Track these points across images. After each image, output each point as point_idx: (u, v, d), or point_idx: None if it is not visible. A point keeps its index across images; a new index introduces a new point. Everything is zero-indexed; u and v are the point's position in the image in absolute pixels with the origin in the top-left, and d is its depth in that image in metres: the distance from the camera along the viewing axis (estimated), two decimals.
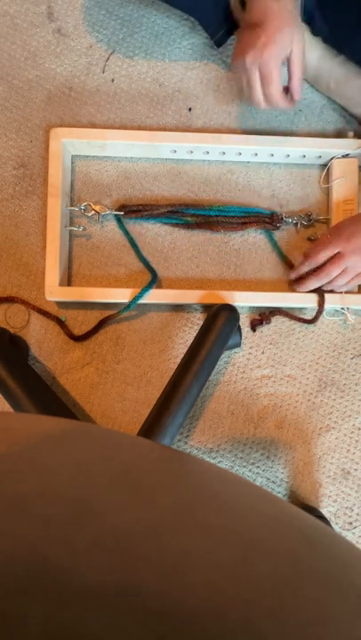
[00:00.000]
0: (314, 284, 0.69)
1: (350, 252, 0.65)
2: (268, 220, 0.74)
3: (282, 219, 0.74)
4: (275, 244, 0.75)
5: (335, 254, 0.66)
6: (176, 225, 0.75)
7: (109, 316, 0.72)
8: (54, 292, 0.70)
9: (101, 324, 0.73)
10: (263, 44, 0.58)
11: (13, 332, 0.73)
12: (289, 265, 0.75)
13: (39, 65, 0.77)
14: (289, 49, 0.60)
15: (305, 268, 0.70)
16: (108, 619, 0.13)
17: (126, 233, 0.74)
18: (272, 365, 0.75)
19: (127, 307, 0.70)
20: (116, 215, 0.74)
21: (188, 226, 0.75)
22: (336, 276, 0.67)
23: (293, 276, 0.72)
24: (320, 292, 0.71)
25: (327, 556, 0.21)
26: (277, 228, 0.75)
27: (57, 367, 0.74)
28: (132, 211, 0.74)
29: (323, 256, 0.67)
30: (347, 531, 0.73)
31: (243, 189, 0.77)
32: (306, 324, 0.75)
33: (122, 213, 0.73)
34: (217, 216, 0.74)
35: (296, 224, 0.75)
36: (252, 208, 0.75)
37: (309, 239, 0.76)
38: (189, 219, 0.74)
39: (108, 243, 0.75)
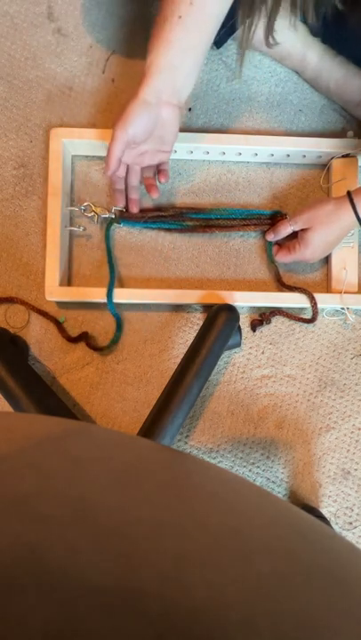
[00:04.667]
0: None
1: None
2: (269, 222, 0.73)
3: (285, 219, 0.73)
4: (270, 245, 0.74)
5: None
6: (176, 230, 0.75)
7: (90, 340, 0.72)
8: (54, 292, 0.70)
9: (83, 337, 0.73)
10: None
11: (13, 332, 0.73)
12: (275, 271, 0.75)
13: (39, 65, 0.77)
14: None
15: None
16: (109, 618, 0.13)
17: (107, 238, 0.73)
18: (272, 365, 0.75)
19: (108, 303, 0.71)
20: (109, 219, 0.74)
21: (188, 230, 0.74)
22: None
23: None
24: (308, 292, 0.71)
25: (327, 556, 0.21)
26: None
27: (57, 367, 0.74)
28: (133, 215, 0.73)
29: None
30: (347, 531, 0.73)
31: (243, 189, 0.77)
32: (306, 324, 0.75)
33: (114, 216, 0.73)
34: (217, 219, 0.74)
35: None
36: (254, 210, 0.74)
37: None
38: (190, 223, 0.74)
39: (105, 246, 0.75)
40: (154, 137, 0.63)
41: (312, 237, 0.67)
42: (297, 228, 0.69)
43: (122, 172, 0.68)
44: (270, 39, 0.61)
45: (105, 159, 0.63)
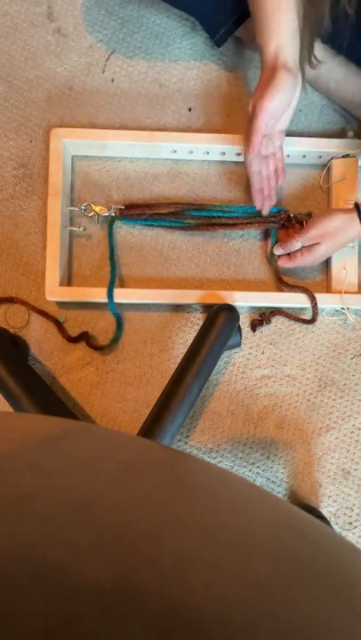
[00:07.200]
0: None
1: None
2: (273, 220, 0.73)
3: (290, 217, 0.73)
4: (274, 255, 0.74)
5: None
6: (178, 228, 0.75)
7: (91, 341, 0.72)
8: (54, 292, 0.70)
9: (84, 336, 0.73)
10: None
11: (13, 332, 0.73)
12: (275, 270, 0.75)
13: (39, 65, 0.77)
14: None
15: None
16: (109, 618, 0.13)
17: (110, 235, 0.73)
18: (272, 365, 0.75)
19: (109, 303, 0.70)
20: (110, 217, 0.74)
21: (190, 228, 0.74)
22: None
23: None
24: (309, 291, 0.71)
25: (327, 556, 0.21)
26: (284, 226, 0.74)
27: (57, 367, 0.74)
28: (134, 213, 0.73)
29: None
30: (347, 531, 0.73)
31: (243, 189, 0.77)
32: (306, 324, 0.75)
33: (114, 214, 0.73)
34: (219, 217, 0.74)
35: (301, 222, 0.75)
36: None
37: None
38: (191, 221, 0.74)
39: (108, 243, 0.75)
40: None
41: (318, 250, 0.68)
42: (306, 244, 0.69)
43: (265, 151, 0.65)
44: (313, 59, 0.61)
45: (247, 138, 0.61)
